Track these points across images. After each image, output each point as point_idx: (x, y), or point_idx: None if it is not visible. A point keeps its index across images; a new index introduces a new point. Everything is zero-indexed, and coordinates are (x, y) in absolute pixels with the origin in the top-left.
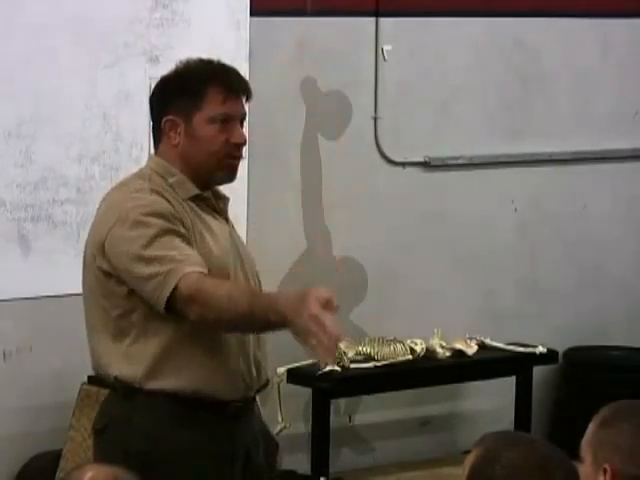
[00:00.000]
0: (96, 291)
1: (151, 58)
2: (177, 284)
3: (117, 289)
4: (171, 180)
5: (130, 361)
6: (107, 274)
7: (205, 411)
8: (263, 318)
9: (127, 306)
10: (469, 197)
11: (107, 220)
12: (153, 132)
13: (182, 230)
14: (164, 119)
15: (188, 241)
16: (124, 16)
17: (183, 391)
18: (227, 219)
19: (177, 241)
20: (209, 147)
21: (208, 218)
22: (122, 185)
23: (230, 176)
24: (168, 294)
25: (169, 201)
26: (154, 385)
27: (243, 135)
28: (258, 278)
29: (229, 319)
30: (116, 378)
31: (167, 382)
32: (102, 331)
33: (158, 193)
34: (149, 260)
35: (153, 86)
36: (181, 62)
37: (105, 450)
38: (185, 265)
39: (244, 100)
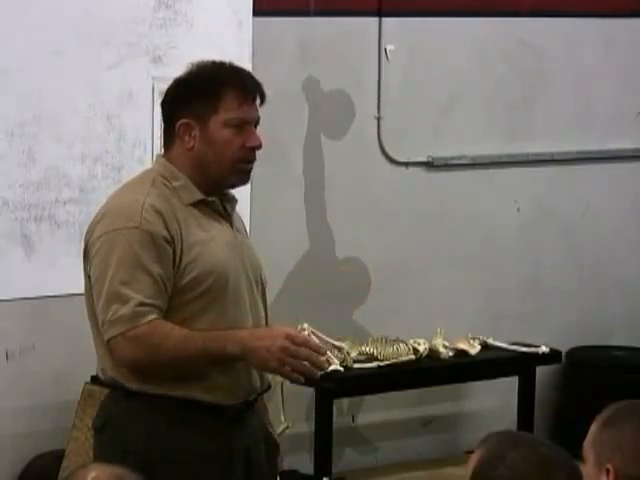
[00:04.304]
0: (91, 295)
1: (154, 58)
2: (126, 330)
3: None
4: (175, 184)
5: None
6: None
7: (204, 413)
8: (218, 351)
9: None
10: (472, 197)
11: (96, 230)
12: (164, 134)
13: (162, 256)
14: (179, 122)
15: (163, 264)
16: (127, 16)
17: (181, 397)
18: (232, 223)
19: (147, 281)
20: (225, 151)
21: (210, 223)
22: (122, 192)
23: (244, 180)
24: (116, 333)
25: (165, 213)
26: (152, 390)
27: (259, 139)
28: (263, 283)
29: (178, 356)
30: (114, 380)
31: (164, 389)
32: (101, 334)
33: (156, 211)
34: (113, 296)
35: (165, 89)
36: (194, 64)
37: (104, 448)
38: (142, 316)
39: (258, 104)
